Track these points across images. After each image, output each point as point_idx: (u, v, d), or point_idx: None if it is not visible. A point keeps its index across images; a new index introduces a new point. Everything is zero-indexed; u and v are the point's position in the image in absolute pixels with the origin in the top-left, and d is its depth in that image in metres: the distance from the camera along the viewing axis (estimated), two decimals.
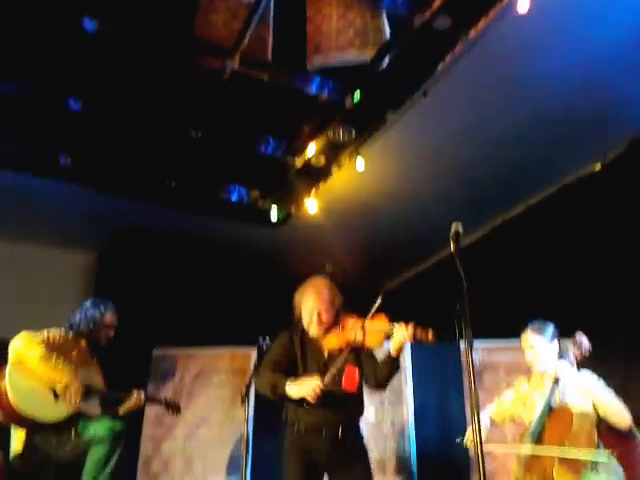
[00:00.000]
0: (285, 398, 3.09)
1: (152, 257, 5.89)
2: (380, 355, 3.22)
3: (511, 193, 5.10)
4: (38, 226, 5.53)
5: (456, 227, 2.48)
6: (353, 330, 3.06)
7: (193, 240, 5.70)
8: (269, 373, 3.16)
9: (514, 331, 3.57)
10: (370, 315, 3.04)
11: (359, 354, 3.18)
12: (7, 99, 3.72)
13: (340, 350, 3.08)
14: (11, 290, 5.44)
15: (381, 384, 3.20)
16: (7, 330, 3.39)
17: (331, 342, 3.15)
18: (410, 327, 2.92)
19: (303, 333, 3.28)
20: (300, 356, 3.21)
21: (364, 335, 3.05)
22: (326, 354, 3.19)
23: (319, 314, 3.18)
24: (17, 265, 5.66)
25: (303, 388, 2.98)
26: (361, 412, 3.27)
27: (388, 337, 3.04)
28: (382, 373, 3.15)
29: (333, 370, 3.02)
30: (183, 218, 5.26)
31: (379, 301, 3.03)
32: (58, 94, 3.72)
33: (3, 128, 3.93)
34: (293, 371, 3.18)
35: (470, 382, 2.36)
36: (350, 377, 3.05)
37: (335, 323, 3.18)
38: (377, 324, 3.07)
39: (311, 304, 3.21)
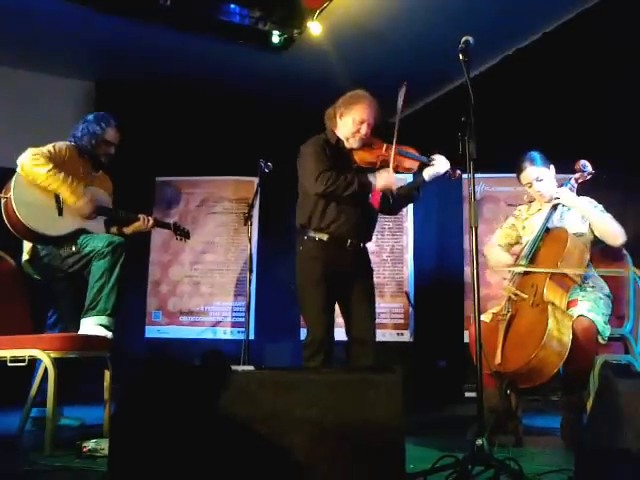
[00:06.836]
0: (358, 193, 2.98)
1: (151, 87, 5.73)
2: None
3: (527, 19, 4.83)
4: (36, 53, 5.35)
5: (466, 38, 2.42)
6: (386, 151, 3.04)
7: (194, 69, 5.52)
8: (333, 172, 2.97)
9: (514, 166, 3.58)
10: (396, 138, 3.02)
11: None
12: None
13: (372, 165, 3.06)
14: (10, 118, 5.38)
15: (399, 206, 3.35)
16: (5, 158, 3.34)
17: (364, 156, 3.09)
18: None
19: (331, 144, 3.14)
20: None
21: (401, 158, 3.06)
22: (355, 167, 3.11)
23: (368, 125, 3.08)
24: (15, 93, 5.53)
25: (390, 177, 2.99)
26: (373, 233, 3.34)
27: (424, 165, 3.09)
28: (403, 198, 3.24)
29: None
30: (183, 44, 5.04)
31: (398, 121, 3.02)
32: None
33: None
34: None
35: (471, 199, 2.38)
36: (377, 194, 3.07)
37: (367, 142, 3.13)
38: (411, 151, 3.11)
39: (361, 113, 3.06)
